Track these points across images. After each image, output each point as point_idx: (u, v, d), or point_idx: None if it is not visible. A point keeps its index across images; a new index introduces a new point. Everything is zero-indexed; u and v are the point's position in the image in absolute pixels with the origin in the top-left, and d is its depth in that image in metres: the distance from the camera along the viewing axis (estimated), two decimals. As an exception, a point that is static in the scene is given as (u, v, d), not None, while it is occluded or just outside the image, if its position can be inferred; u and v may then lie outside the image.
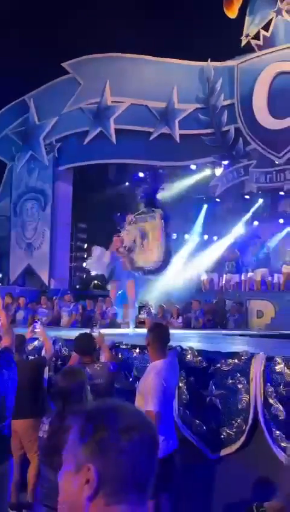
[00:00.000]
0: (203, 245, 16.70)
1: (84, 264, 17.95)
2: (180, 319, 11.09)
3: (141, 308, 5.36)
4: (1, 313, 3.47)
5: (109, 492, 0.97)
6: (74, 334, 6.61)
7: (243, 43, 12.14)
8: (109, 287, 8.55)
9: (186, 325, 10.97)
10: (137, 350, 4.88)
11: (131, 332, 7.60)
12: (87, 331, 5.07)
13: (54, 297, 12.46)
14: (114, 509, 0.97)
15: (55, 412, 2.95)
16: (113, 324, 9.39)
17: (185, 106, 12.56)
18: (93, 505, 0.96)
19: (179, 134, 12.54)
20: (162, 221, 8.07)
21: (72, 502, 0.99)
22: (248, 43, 12.06)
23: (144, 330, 8.85)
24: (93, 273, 8.99)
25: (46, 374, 5.28)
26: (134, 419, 1.03)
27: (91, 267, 8.61)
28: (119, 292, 8.18)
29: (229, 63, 12.32)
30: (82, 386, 2.87)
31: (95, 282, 17.56)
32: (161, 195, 8.70)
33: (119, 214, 9.04)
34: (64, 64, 14.17)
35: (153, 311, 10.16)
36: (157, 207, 8.33)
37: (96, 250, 8.55)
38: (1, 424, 3.09)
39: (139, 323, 5.29)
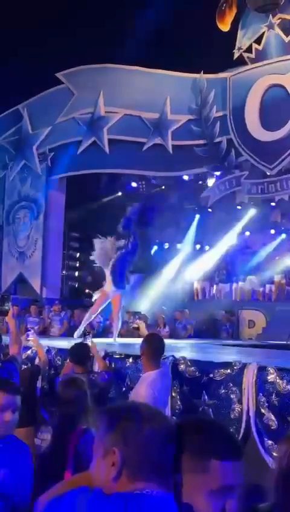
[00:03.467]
0: (195, 254, 16.79)
1: (76, 273, 17.99)
2: (167, 328, 11.11)
3: (134, 314, 5.40)
4: (10, 321, 3.49)
5: (131, 473, 1.16)
6: (66, 343, 6.65)
7: (236, 55, 12.28)
8: (95, 296, 8.56)
9: (174, 335, 10.97)
10: (130, 359, 4.89)
11: (114, 341, 7.73)
12: (79, 340, 5.09)
13: (45, 307, 12.44)
14: (135, 485, 1.15)
15: (57, 422, 2.96)
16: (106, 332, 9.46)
17: (178, 117, 12.66)
18: (118, 484, 1.16)
19: (172, 145, 12.62)
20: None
21: (102, 484, 1.18)
22: (241, 56, 12.20)
23: (127, 340, 8.93)
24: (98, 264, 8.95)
25: (39, 383, 5.28)
26: (152, 413, 1.25)
27: (96, 259, 8.65)
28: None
29: (222, 75, 12.45)
30: (86, 395, 2.90)
31: (87, 291, 17.53)
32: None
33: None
34: (59, 75, 14.24)
35: (147, 320, 10.18)
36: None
37: (98, 242, 8.61)
38: None
39: (133, 329, 5.34)
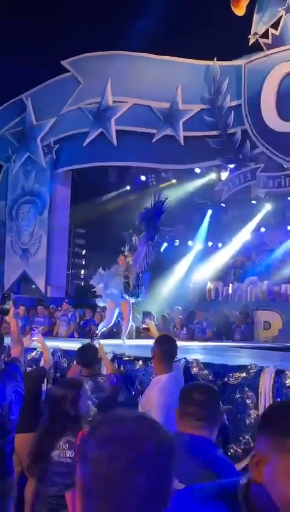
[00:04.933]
0: (207, 252, 16.75)
1: (82, 272, 18.02)
2: (184, 330, 11.10)
3: (145, 315, 5.43)
4: (12, 321, 3.50)
5: None
6: (72, 344, 6.66)
7: (251, 41, 12.18)
8: (100, 303, 8.91)
9: (190, 336, 10.99)
10: (140, 362, 4.89)
11: (123, 343, 8.02)
12: (86, 341, 5.10)
13: (51, 306, 12.48)
14: None
15: (45, 420, 2.98)
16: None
17: (190, 107, 12.64)
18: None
19: (184, 136, 12.60)
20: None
21: None
22: (256, 41, 12.11)
23: (137, 341, 8.97)
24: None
25: (44, 386, 5.29)
26: (147, 426, 1.06)
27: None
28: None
29: (236, 62, 12.40)
30: (79, 395, 2.90)
31: (93, 290, 17.57)
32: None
33: (131, 231, 9.22)
34: (64, 62, 14.27)
35: (154, 321, 10.22)
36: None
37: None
38: (4, 440, 3.10)
39: (143, 330, 5.37)
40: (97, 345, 4.86)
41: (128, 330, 8.55)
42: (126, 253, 8.54)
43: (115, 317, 8.53)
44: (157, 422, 1.10)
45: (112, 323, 8.64)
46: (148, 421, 1.10)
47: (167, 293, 15.43)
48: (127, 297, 8.44)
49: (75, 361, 4.76)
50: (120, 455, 1.00)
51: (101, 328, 8.49)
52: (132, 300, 8.55)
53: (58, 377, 5.49)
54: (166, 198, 8.88)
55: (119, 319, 9.25)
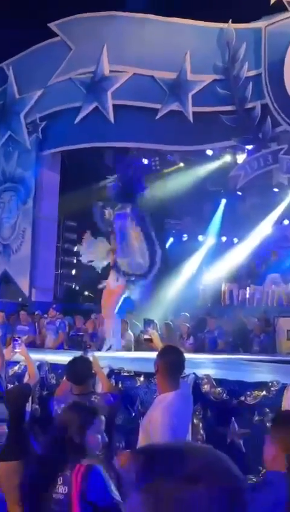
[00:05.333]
0: (221, 249, 16.73)
1: (73, 271, 18.06)
2: (191, 340, 11.11)
3: (146, 323, 5.41)
4: None
5: None
6: (62, 357, 6.65)
7: (273, 0, 12.18)
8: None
9: (199, 348, 10.99)
10: (141, 378, 4.90)
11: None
12: (78, 354, 5.10)
13: (36, 313, 12.48)
14: None
15: (47, 446, 2.99)
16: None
17: (200, 77, 12.61)
18: None
19: (193, 112, 12.57)
20: (133, 220, 8.50)
21: None
22: (279, 0, 12.10)
23: (138, 354, 8.99)
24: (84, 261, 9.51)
25: (29, 406, 5.30)
26: (205, 463, 1.06)
27: (83, 255, 9.06)
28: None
29: (255, 24, 12.37)
30: (91, 423, 2.92)
31: (86, 293, 17.60)
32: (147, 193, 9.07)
33: (101, 204, 9.33)
34: (52, 25, 14.25)
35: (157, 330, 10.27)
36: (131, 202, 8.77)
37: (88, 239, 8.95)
38: None
39: (145, 341, 5.37)
40: (91, 358, 4.87)
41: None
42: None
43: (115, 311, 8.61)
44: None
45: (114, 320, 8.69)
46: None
47: (172, 296, 15.42)
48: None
49: (64, 377, 4.76)
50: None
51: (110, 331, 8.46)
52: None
53: (45, 395, 5.50)
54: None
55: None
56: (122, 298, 9.04)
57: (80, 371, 4.41)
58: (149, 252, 8.90)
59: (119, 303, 9.12)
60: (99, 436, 3.08)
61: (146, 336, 5.30)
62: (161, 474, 1.03)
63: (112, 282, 9.11)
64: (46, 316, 11.84)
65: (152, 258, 8.92)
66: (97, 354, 5.95)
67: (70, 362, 4.52)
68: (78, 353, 5.47)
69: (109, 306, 9.18)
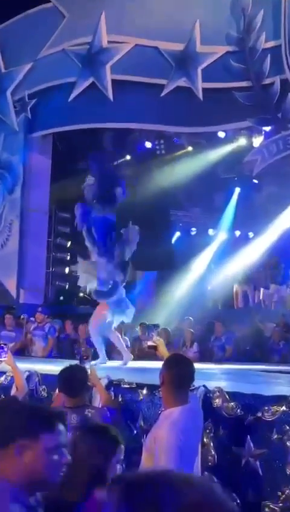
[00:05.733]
0: (234, 244, 16.74)
1: (66, 270, 18.05)
2: (195, 347, 11.13)
3: (150, 328, 5.41)
4: None
5: None
6: (53, 367, 6.64)
7: None
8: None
9: (205, 357, 11.04)
10: (144, 391, 4.90)
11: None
12: (72, 363, 5.09)
13: (22, 316, 12.49)
14: None
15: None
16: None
17: (211, 49, 12.57)
18: None
19: (203, 89, 12.54)
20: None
21: None
22: None
23: (140, 363, 8.99)
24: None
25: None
26: (200, 493, 1.03)
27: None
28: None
29: (275, -11, 12.34)
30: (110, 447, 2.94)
31: (81, 295, 17.59)
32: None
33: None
34: (43, -11, 14.26)
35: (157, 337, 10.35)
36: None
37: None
38: None
39: (149, 348, 5.37)
40: (88, 368, 4.87)
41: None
42: None
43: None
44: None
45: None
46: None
47: (177, 298, 15.45)
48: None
49: (57, 390, 4.77)
50: None
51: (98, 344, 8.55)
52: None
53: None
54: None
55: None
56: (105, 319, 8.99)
57: (73, 381, 4.41)
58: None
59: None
60: (119, 466, 3.10)
61: (150, 343, 5.31)
62: (140, 510, 0.97)
63: None
64: (32, 319, 11.84)
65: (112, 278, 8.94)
66: (93, 363, 5.96)
67: (62, 371, 4.52)
68: (72, 362, 5.47)
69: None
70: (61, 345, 11.75)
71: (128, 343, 11.07)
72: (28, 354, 10.99)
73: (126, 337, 11.11)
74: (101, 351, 8.87)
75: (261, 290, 14.73)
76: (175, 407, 3.63)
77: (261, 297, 14.57)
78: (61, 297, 17.23)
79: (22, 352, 11.06)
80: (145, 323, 11.68)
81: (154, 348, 5.06)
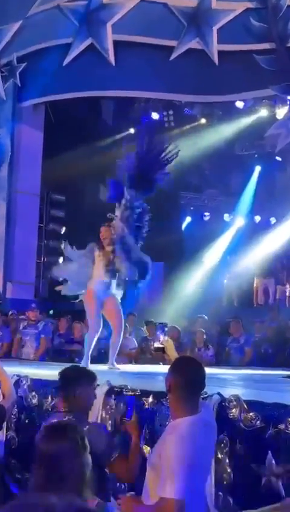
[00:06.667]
0: (253, 231, 16.74)
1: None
2: (211, 350, 11.14)
3: (158, 327, 5.38)
4: None
5: None
6: (46, 371, 6.66)
7: None
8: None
9: (220, 360, 11.07)
10: (150, 399, 4.90)
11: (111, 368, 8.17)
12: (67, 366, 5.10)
13: (10, 313, 12.53)
14: None
15: (30, 488, 2.99)
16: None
17: (229, 5, 12.55)
18: None
19: (218, 51, 12.52)
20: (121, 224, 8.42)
21: None
22: None
23: (144, 367, 8.97)
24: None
25: (2, 435, 5.32)
26: None
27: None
28: None
29: None
30: (75, 449, 2.91)
31: (77, 300, 17.62)
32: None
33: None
34: None
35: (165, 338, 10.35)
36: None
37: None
38: None
39: (156, 351, 5.35)
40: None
41: (119, 346, 8.58)
42: (115, 222, 8.52)
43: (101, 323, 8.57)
44: None
45: (99, 332, 8.67)
46: None
47: (188, 294, 15.47)
48: (114, 291, 8.51)
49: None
50: None
51: (90, 343, 8.51)
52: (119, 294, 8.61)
53: (24, 420, 5.51)
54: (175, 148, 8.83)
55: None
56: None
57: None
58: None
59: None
60: None
61: (157, 344, 5.31)
62: None
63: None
64: (23, 317, 11.86)
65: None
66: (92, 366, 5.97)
67: (62, 372, 4.53)
68: (66, 365, 5.49)
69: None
70: (55, 345, 11.76)
71: (136, 343, 11.08)
72: (16, 357, 11.01)
73: (131, 337, 11.12)
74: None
75: (287, 285, 14.76)
76: (184, 417, 3.62)
77: (286, 293, 14.59)
78: (54, 292, 17.24)
79: (9, 354, 11.09)
80: (153, 322, 11.69)
81: (162, 349, 5.06)
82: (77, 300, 9.09)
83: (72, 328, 11.74)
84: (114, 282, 8.45)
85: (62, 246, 9.24)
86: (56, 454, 2.81)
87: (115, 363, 8.42)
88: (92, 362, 8.23)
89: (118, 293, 8.59)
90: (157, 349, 4.97)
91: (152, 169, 8.70)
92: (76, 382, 4.31)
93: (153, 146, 8.73)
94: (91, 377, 4.45)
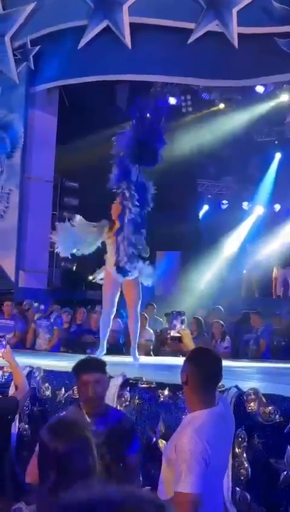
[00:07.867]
0: (273, 220, 16.69)
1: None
2: (226, 342, 11.13)
3: (174, 316, 5.36)
4: None
5: None
6: (59, 362, 6.68)
7: None
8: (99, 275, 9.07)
9: (238, 353, 11.10)
10: (166, 392, 4.90)
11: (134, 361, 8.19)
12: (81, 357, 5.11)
13: (24, 303, 12.57)
14: None
15: (42, 488, 3.01)
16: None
17: (249, -13, 12.50)
18: None
19: (238, 34, 12.46)
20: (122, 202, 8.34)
21: None
22: None
23: (158, 359, 8.93)
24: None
25: (15, 427, 5.34)
26: None
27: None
28: None
29: None
30: (86, 446, 2.92)
31: (91, 278, 17.65)
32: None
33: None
34: None
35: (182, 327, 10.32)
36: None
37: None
38: None
39: (172, 340, 5.32)
40: None
41: (137, 336, 8.59)
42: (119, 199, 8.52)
43: (115, 306, 8.55)
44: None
45: (111, 314, 8.65)
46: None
47: (205, 284, 15.45)
48: (135, 274, 8.41)
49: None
50: None
51: (104, 327, 8.49)
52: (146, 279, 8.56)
53: (37, 412, 5.53)
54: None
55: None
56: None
57: None
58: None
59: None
60: None
61: (173, 333, 5.27)
62: None
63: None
64: (35, 305, 11.91)
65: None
66: (106, 358, 5.98)
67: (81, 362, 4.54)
68: (81, 356, 5.50)
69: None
70: (72, 336, 11.76)
71: (153, 336, 11.07)
72: (30, 348, 11.05)
73: (148, 328, 11.11)
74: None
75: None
76: (200, 410, 3.62)
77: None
78: (68, 281, 17.28)
79: (23, 344, 11.14)
80: (173, 312, 11.62)
81: (178, 339, 5.01)
82: (94, 278, 9.03)
83: (89, 318, 11.77)
84: (135, 266, 8.38)
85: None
86: (70, 450, 2.83)
87: (136, 354, 8.40)
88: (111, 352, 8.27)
89: (144, 278, 8.56)
90: (174, 338, 4.91)
91: (152, 137, 8.62)
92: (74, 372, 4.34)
93: (149, 117, 8.68)
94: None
